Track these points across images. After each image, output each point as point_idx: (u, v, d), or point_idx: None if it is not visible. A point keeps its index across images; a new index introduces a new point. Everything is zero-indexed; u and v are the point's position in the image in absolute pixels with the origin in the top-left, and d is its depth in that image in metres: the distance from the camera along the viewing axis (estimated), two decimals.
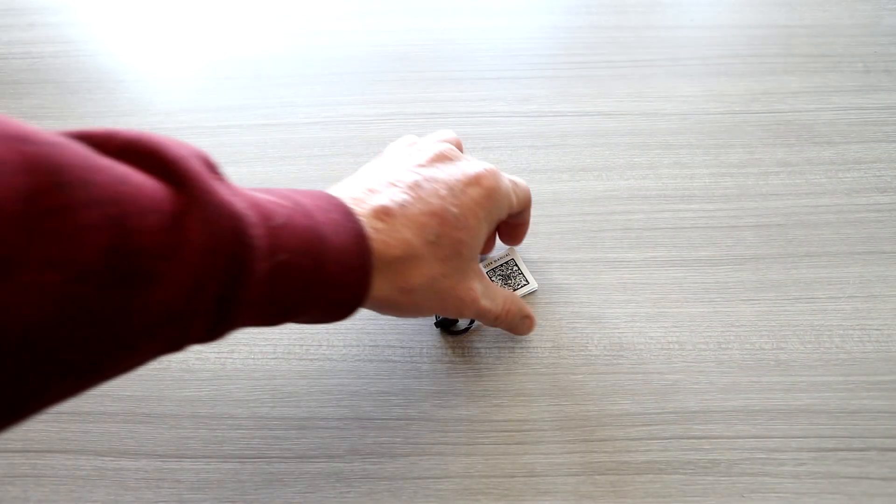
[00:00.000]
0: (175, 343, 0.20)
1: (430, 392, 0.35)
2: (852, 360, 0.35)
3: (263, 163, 0.46)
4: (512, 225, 0.36)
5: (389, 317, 0.38)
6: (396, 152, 0.31)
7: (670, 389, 0.34)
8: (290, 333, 0.37)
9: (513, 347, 0.36)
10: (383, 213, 0.26)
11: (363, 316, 0.38)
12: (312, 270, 0.22)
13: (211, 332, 0.20)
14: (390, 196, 0.26)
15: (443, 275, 0.27)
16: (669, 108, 0.49)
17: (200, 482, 0.32)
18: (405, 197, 0.26)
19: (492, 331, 0.37)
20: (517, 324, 0.34)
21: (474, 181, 0.28)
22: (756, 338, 0.36)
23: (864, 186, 0.43)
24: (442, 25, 0.56)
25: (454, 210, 0.27)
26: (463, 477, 0.32)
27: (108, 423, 0.34)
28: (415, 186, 0.27)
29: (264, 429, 0.34)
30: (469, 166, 0.29)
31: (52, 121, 0.50)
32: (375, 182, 0.27)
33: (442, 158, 0.29)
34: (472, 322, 0.37)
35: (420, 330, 0.37)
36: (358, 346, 0.37)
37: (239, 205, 0.20)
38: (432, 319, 0.37)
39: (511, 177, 0.33)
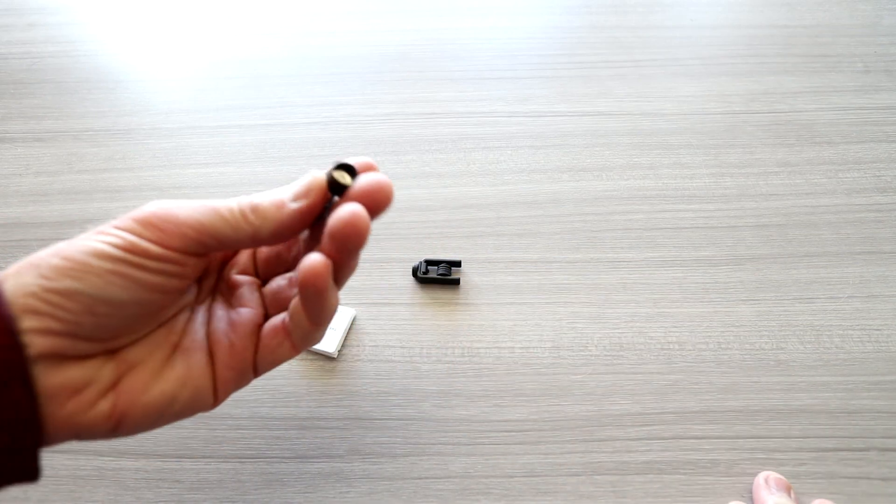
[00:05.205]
0: None
1: (430, 392, 0.35)
2: (852, 360, 0.35)
3: (263, 163, 0.46)
4: None
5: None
6: None
7: (670, 389, 0.34)
8: None
9: (513, 347, 0.36)
10: None
11: (363, 316, 0.38)
12: None
13: None
14: None
15: None
16: (669, 108, 0.49)
17: (200, 482, 0.32)
18: None
19: (491, 330, 0.37)
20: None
21: None
22: (756, 338, 0.36)
23: (864, 186, 0.43)
24: (442, 25, 0.56)
25: None
26: (463, 477, 0.32)
27: None
28: None
29: (264, 429, 0.34)
30: None
31: (51, 121, 0.50)
32: None
33: None
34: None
35: (420, 330, 0.37)
36: (358, 346, 0.37)
37: None
38: (430, 314, 0.37)
39: None
